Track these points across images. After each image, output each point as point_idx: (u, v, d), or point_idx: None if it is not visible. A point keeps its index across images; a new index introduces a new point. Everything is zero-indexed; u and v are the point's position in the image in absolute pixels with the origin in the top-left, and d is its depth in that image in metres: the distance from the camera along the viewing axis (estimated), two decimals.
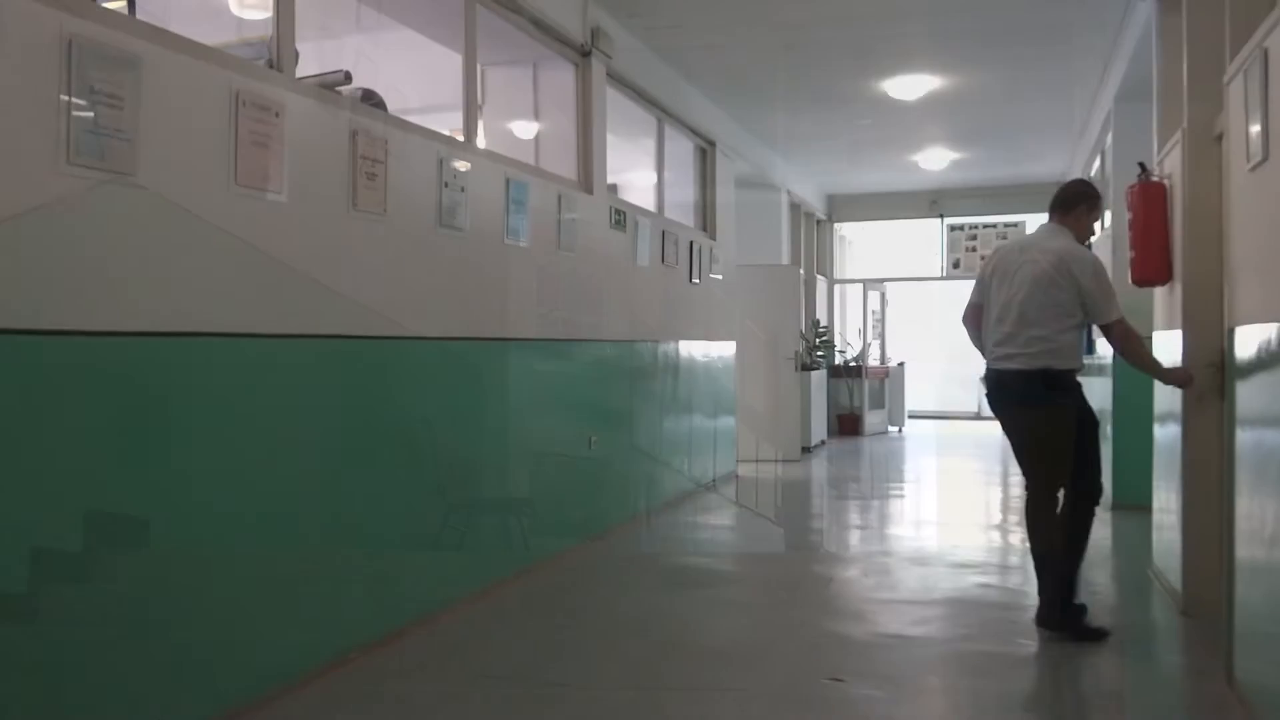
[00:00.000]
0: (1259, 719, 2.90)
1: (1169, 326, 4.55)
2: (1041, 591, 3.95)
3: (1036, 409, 3.92)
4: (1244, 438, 3.19)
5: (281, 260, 3.28)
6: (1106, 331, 3.95)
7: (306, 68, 3.68)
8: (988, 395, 4.14)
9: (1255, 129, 2.97)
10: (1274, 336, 2.79)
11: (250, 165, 3.11)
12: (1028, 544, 4.18)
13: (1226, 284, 3.54)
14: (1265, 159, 2.90)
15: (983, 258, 12.55)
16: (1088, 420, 4.01)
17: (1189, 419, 4.14)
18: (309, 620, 3.41)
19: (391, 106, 4.21)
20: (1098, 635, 3.85)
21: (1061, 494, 4.00)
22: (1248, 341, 3.12)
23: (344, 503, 3.61)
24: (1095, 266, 3.92)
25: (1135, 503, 5.80)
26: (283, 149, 3.25)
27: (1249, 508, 3.12)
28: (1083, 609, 3.96)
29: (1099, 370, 6.68)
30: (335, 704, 3.25)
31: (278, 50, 3.39)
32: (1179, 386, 4.08)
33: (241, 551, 3.11)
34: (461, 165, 4.37)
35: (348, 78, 3.80)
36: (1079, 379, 3.99)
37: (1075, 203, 4.09)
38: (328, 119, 3.55)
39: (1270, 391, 2.86)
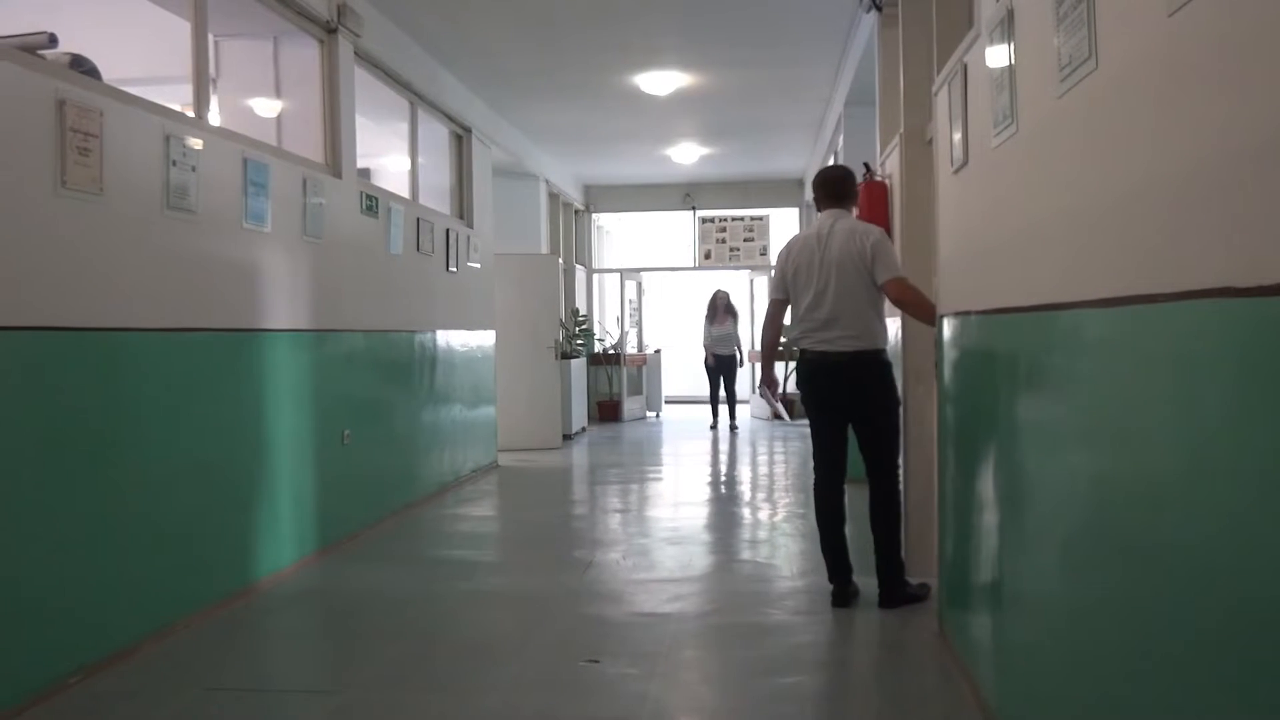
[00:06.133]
0: (961, 662, 3.25)
1: (892, 314, 4.97)
2: (890, 573, 4.15)
3: (879, 396, 4.15)
4: (947, 414, 3.55)
5: None
6: (891, 290, 4.05)
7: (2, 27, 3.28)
8: (809, 378, 4.19)
9: (957, 136, 3.28)
10: (970, 324, 3.12)
11: None
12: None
13: (935, 276, 3.91)
14: (966, 163, 3.21)
15: (733, 249, 13.38)
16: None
17: (910, 397, 4.57)
18: (8, 647, 3.06)
19: (108, 76, 3.84)
20: (925, 591, 4.19)
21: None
22: (950, 328, 3.46)
23: (50, 511, 3.26)
24: (878, 232, 4.15)
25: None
26: None
27: (950, 477, 3.48)
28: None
29: None
30: None
31: None
32: None
33: None
34: (194, 142, 4.05)
35: (53, 40, 3.42)
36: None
37: (849, 192, 4.35)
38: (28, 85, 3.17)
39: (965, 373, 3.19)
